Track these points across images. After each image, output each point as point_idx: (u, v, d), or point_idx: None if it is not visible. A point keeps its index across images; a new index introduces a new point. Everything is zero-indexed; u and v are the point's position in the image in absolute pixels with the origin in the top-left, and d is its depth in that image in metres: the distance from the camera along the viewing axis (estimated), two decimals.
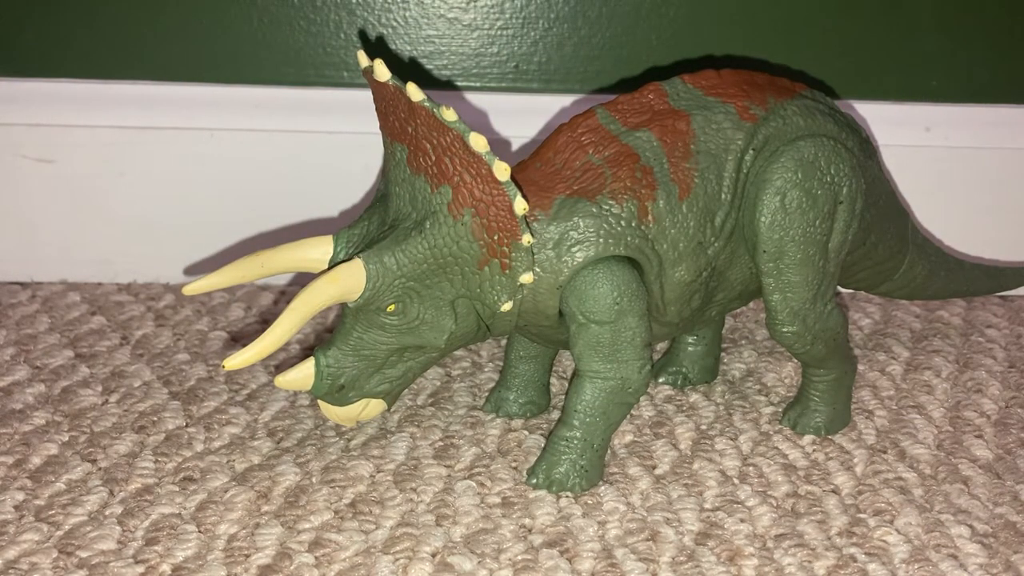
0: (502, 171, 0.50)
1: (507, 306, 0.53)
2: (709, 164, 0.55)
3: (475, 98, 0.80)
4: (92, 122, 0.79)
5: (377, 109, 0.54)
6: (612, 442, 0.60)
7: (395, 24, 0.79)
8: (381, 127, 0.54)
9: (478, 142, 0.50)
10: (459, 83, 0.80)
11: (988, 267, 0.74)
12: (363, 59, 0.52)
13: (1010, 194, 0.84)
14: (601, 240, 0.53)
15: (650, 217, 0.54)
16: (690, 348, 0.67)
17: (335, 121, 0.79)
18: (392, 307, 0.53)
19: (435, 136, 0.51)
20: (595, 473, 0.55)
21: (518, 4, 0.79)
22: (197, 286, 0.54)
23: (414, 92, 0.50)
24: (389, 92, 0.52)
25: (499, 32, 0.80)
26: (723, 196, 0.55)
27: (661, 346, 0.72)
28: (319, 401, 0.55)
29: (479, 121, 0.80)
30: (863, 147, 0.60)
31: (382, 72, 0.51)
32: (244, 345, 0.72)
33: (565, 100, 0.80)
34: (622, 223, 0.53)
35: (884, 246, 0.64)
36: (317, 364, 0.53)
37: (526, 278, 0.53)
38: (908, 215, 0.66)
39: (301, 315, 0.51)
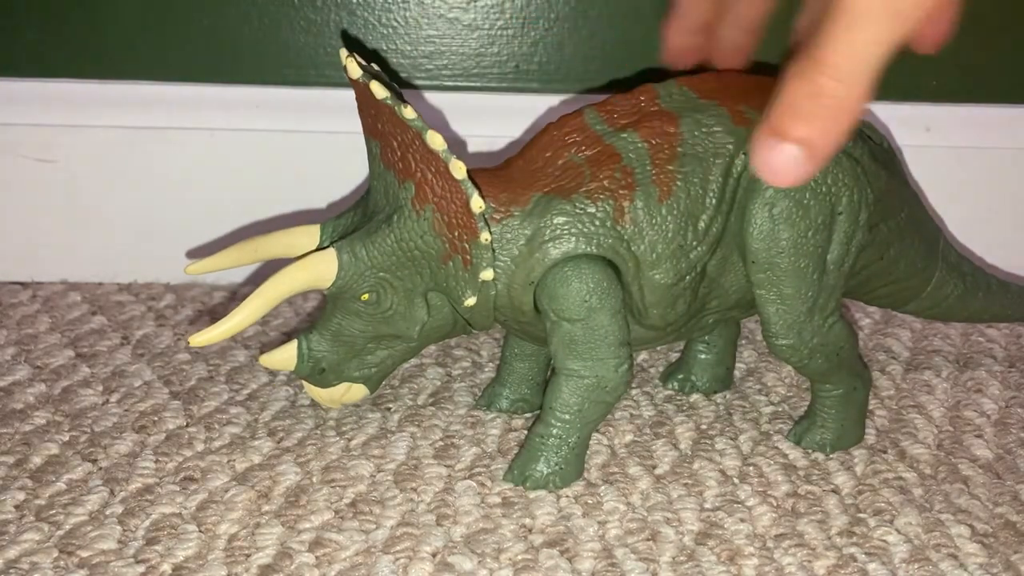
0: (458, 169, 0.52)
1: (471, 301, 0.54)
2: (694, 167, 0.54)
3: (475, 98, 0.80)
4: (92, 122, 0.79)
5: (357, 105, 0.55)
6: (612, 442, 0.60)
7: (395, 24, 0.79)
8: (361, 123, 0.55)
9: (435, 140, 0.51)
10: (459, 83, 0.80)
11: None
12: (343, 56, 0.53)
13: (1010, 194, 0.84)
14: (573, 238, 0.53)
15: (626, 218, 0.54)
16: (701, 356, 0.66)
17: (335, 121, 0.79)
18: (366, 296, 0.54)
19: (399, 133, 0.52)
20: (571, 471, 0.55)
21: (518, 4, 0.79)
22: (197, 268, 0.57)
23: (377, 90, 0.51)
24: (361, 89, 0.53)
25: (499, 32, 0.80)
26: (708, 200, 0.54)
27: (674, 353, 0.72)
28: (303, 382, 0.57)
29: (478, 121, 0.80)
30: (877, 157, 0.57)
31: (353, 69, 0.53)
32: (244, 345, 0.72)
33: (565, 100, 0.80)
34: (596, 222, 0.53)
35: (906, 262, 0.61)
36: (299, 347, 0.56)
37: (486, 275, 0.53)
38: (940, 231, 0.64)
39: (267, 299, 0.53)
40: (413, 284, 0.54)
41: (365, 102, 0.54)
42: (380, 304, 0.54)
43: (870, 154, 0.57)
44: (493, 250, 0.54)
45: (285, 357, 0.56)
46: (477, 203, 0.52)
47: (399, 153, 0.53)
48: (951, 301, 0.65)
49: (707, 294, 0.57)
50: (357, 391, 0.58)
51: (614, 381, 0.54)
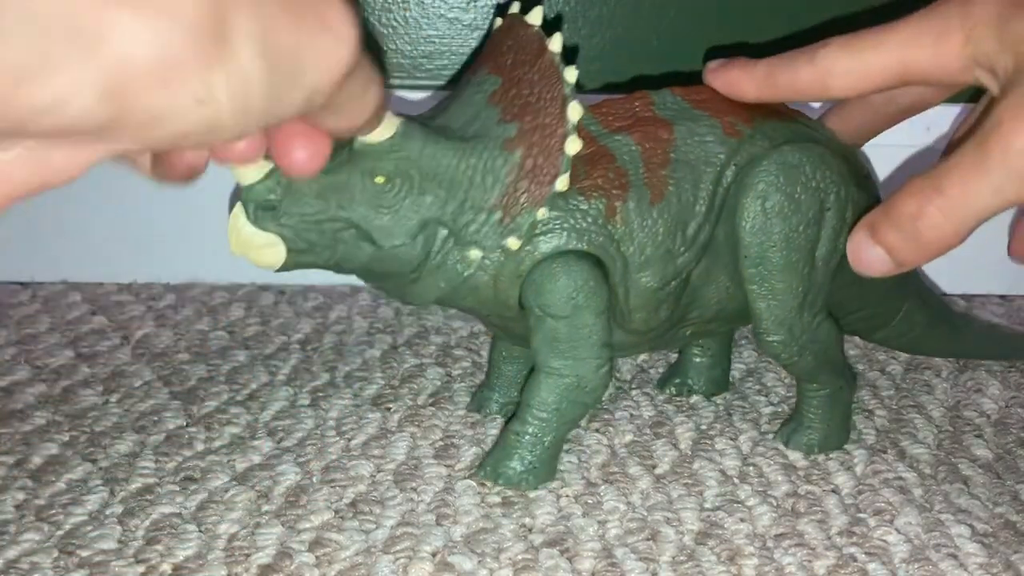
0: (572, 145, 0.50)
1: (475, 254, 0.52)
2: (686, 174, 0.54)
3: None
4: None
5: (491, 44, 0.55)
6: (612, 442, 0.60)
7: (395, 24, 0.79)
8: (483, 59, 0.55)
9: (575, 111, 0.50)
10: None
11: (1002, 334, 0.72)
12: (515, 7, 0.54)
13: None
14: (564, 233, 0.53)
15: (618, 217, 0.53)
16: (696, 360, 0.66)
17: None
18: (382, 179, 0.51)
19: (538, 85, 0.51)
20: (544, 470, 0.55)
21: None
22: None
23: (555, 43, 0.51)
24: (522, 34, 0.52)
25: None
26: (698, 207, 0.55)
27: (674, 355, 0.72)
28: (233, 211, 0.50)
29: None
30: (859, 180, 0.58)
31: (536, 17, 0.52)
32: (244, 345, 0.72)
33: None
34: (588, 219, 0.53)
35: (880, 290, 0.62)
36: (276, 167, 0.48)
37: (512, 243, 0.51)
38: None
39: None
40: (427, 205, 0.51)
41: (515, 44, 0.53)
42: (386, 193, 0.51)
43: (853, 174, 0.57)
44: (535, 230, 0.52)
45: (258, 167, 0.49)
46: (563, 183, 0.51)
47: (522, 100, 0.51)
48: (918, 332, 0.66)
49: (688, 304, 0.57)
50: (274, 255, 0.51)
51: (594, 382, 0.54)
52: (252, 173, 0.49)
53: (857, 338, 0.75)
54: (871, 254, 0.47)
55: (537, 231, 0.53)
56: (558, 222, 0.53)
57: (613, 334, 0.55)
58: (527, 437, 0.55)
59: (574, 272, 0.53)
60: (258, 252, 0.50)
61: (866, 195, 0.59)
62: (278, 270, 0.52)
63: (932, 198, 0.44)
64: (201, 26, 0.30)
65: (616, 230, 0.54)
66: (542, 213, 0.51)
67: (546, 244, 0.53)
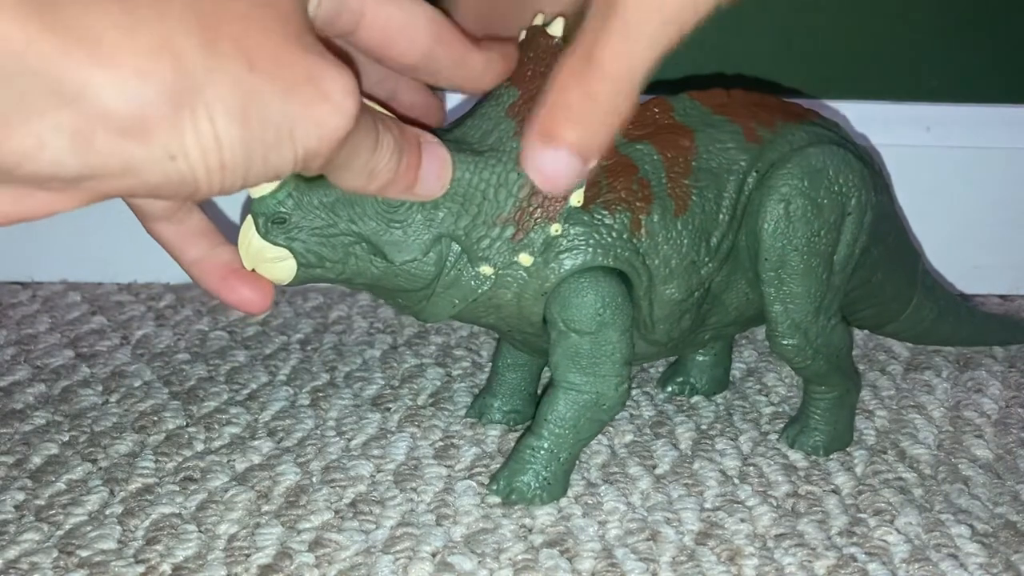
0: None
1: (487, 270, 0.51)
2: (709, 183, 0.54)
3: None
4: None
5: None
6: (612, 442, 0.60)
7: None
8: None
9: None
10: None
11: (1003, 318, 0.74)
12: (539, 19, 0.52)
13: (1010, 194, 0.84)
14: (590, 249, 0.52)
15: (643, 231, 0.53)
16: (699, 358, 0.66)
17: None
18: None
19: None
20: (558, 486, 0.55)
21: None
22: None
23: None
24: (543, 45, 0.51)
25: None
26: (721, 216, 0.54)
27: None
28: (244, 224, 0.50)
29: None
30: (875, 181, 0.58)
31: (557, 28, 0.51)
32: (244, 345, 0.72)
33: None
34: (613, 234, 0.52)
35: (891, 285, 0.62)
36: (289, 182, 0.49)
37: (524, 259, 0.51)
38: (919, 257, 0.65)
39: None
40: (443, 221, 0.50)
41: (532, 55, 0.51)
42: (398, 208, 0.50)
43: (871, 175, 0.57)
44: (548, 245, 0.51)
45: (273, 184, 0.48)
46: (577, 197, 0.50)
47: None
48: (926, 324, 0.67)
49: (708, 311, 0.56)
50: (284, 269, 0.50)
51: (612, 400, 0.53)
52: (262, 185, 0.48)
53: (859, 339, 0.75)
54: (555, 162, 0.43)
55: (562, 247, 0.51)
56: (583, 238, 0.52)
57: (635, 345, 0.55)
58: (542, 452, 0.54)
59: (602, 288, 0.52)
60: (268, 266, 0.50)
61: (882, 197, 0.59)
62: (289, 284, 0.51)
63: (595, 76, 0.41)
64: (175, 90, 0.33)
65: (641, 244, 0.53)
66: (556, 229, 0.50)
67: (571, 261, 0.52)
